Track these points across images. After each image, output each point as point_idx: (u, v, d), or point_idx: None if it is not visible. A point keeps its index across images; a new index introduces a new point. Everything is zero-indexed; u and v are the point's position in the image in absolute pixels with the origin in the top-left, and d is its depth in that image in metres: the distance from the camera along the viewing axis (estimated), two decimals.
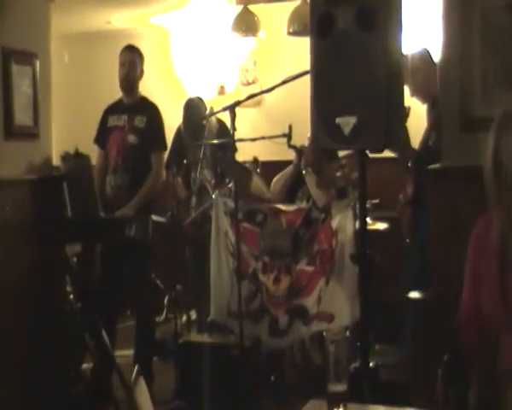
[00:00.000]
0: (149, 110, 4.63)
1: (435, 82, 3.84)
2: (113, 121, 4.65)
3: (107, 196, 4.58)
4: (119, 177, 4.56)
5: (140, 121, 4.56)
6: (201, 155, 5.10)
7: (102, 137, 4.69)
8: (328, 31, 2.75)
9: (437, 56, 3.17)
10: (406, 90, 2.94)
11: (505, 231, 1.92)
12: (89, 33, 7.18)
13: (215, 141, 4.93)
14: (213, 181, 5.10)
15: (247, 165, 4.67)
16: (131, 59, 4.59)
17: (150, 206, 4.52)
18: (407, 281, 3.94)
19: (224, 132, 4.94)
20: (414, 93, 4.12)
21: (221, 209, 4.29)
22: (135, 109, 4.60)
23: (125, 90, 4.64)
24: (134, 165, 4.54)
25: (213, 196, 4.46)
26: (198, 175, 5.12)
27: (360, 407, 1.98)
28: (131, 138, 4.55)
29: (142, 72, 4.66)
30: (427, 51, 4.21)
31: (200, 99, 5.42)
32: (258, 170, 4.76)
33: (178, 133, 5.40)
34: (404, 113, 3.23)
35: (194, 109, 5.28)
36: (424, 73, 4.11)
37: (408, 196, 4.16)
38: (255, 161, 4.77)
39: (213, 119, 5.21)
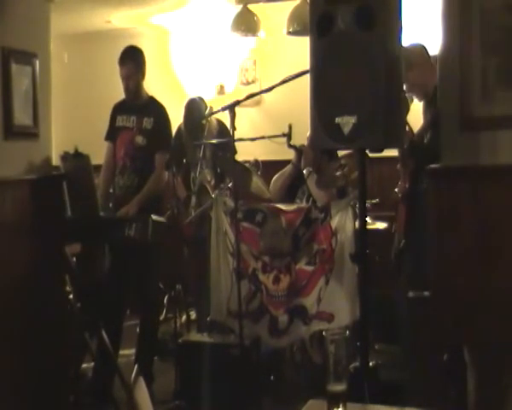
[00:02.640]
0: (157, 111, 4.64)
1: (431, 78, 3.84)
2: (122, 121, 4.66)
3: (115, 196, 4.60)
4: (127, 177, 4.58)
5: (148, 123, 4.58)
6: (201, 155, 5.10)
7: (113, 134, 4.71)
8: (328, 30, 2.75)
9: (436, 56, 3.17)
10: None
11: None
12: (88, 33, 7.18)
13: (214, 141, 4.94)
14: (213, 181, 5.10)
15: (248, 165, 4.67)
16: (126, 73, 4.59)
17: (152, 206, 4.52)
18: (406, 280, 3.94)
19: (224, 133, 4.94)
20: (410, 89, 4.11)
21: (221, 209, 4.29)
22: (143, 110, 4.61)
23: (129, 99, 4.65)
24: (142, 166, 4.56)
25: (213, 196, 4.47)
26: (198, 175, 5.12)
27: (360, 406, 1.98)
28: (139, 139, 4.57)
29: (143, 74, 4.64)
30: (423, 46, 4.20)
31: (201, 99, 5.42)
32: (259, 172, 4.76)
33: (179, 133, 5.40)
34: (404, 110, 3.23)
35: (195, 109, 5.29)
36: (420, 68, 4.09)
37: (403, 189, 4.15)
38: (256, 163, 4.76)
39: (213, 119, 5.21)
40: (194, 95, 5.72)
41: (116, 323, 4.42)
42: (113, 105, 4.77)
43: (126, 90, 4.63)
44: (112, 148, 4.70)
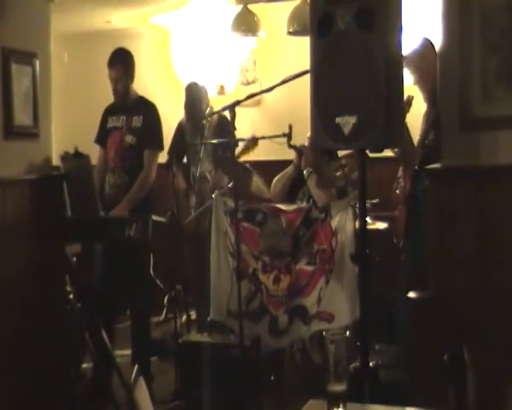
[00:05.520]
0: (146, 109, 4.65)
1: (435, 72, 3.82)
2: (112, 122, 4.69)
3: (106, 195, 4.61)
4: (117, 176, 4.59)
5: (137, 121, 4.59)
6: (202, 151, 5.13)
7: (102, 137, 4.73)
8: (328, 30, 2.75)
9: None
10: (406, 82, 2.92)
11: None
12: (88, 33, 7.18)
13: (214, 141, 4.94)
14: (213, 172, 5.11)
15: (247, 165, 4.67)
16: (115, 75, 4.61)
17: (148, 205, 4.52)
18: (406, 280, 3.94)
19: (224, 125, 4.91)
20: (419, 80, 4.07)
21: (221, 209, 4.29)
22: (132, 110, 4.63)
23: (118, 101, 4.67)
24: (132, 164, 4.57)
25: (213, 196, 4.47)
26: (199, 164, 5.15)
27: (360, 406, 1.98)
28: (129, 138, 4.59)
29: (131, 77, 4.66)
30: (431, 41, 4.19)
31: (196, 84, 5.47)
32: (256, 148, 4.73)
33: (179, 130, 5.41)
34: (404, 110, 3.22)
35: (194, 92, 5.33)
36: (434, 60, 4.06)
37: (405, 190, 4.14)
38: (254, 138, 4.72)
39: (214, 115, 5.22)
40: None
41: (107, 324, 4.41)
42: (105, 108, 4.80)
43: (115, 92, 4.66)
44: (103, 153, 4.72)
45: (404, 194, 4.15)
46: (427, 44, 4.06)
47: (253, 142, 4.66)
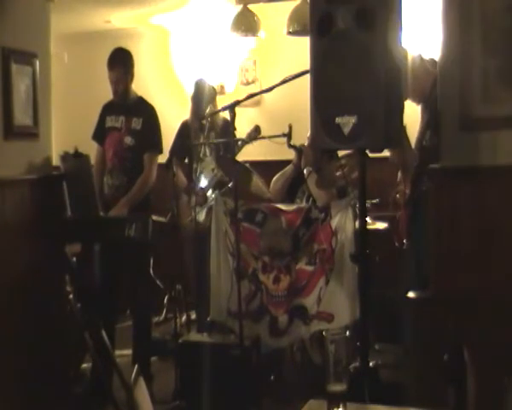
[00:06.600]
0: (146, 112, 4.64)
1: (427, 83, 3.84)
2: (110, 122, 4.67)
3: (105, 196, 4.61)
4: (116, 177, 4.59)
5: (136, 123, 4.58)
6: (202, 151, 5.15)
7: (101, 134, 4.72)
8: (328, 30, 2.76)
9: (437, 56, 3.17)
10: None
11: None
12: (88, 33, 7.17)
13: (214, 141, 4.95)
14: (216, 170, 5.13)
15: (247, 165, 4.67)
16: (115, 77, 4.60)
17: (146, 205, 4.53)
18: (406, 281, 3.94)
19: (228, 130, 4.92)
20: (408, 96, 4.09)
21: (221, 209, 4.29)
22: (132, 111, 4.62)
23: (118, 101, 4.67)
24: (131, 166, 4.57)
25: (213, 196, 4.47)
26: (201, 158, 5.17)
27: (360, 406, 1.98)
28: (128, 140, 4.58)
29: (131, 77, 4.65)
30: (418, 54, 4.18)
31: (204, 81, 5.51)
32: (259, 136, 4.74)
33: (182, 129, 5.42)
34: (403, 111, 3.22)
35: (200, 88, 5.37)
36: (417, 77, 4.06)
37: (406, 195, 4.15)
38: (257, 128, 4.70)
39: (220, 115, 5.23)
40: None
41: (108, 324, 4.41)
42: (103, 105, 4.78)
43: (115, 93, 4.65)
44: (101, 150, 4.71)
45: (405, 197, 4.15)
46: (409, 62, 4.02)
47: (255, 132, 4.65)
